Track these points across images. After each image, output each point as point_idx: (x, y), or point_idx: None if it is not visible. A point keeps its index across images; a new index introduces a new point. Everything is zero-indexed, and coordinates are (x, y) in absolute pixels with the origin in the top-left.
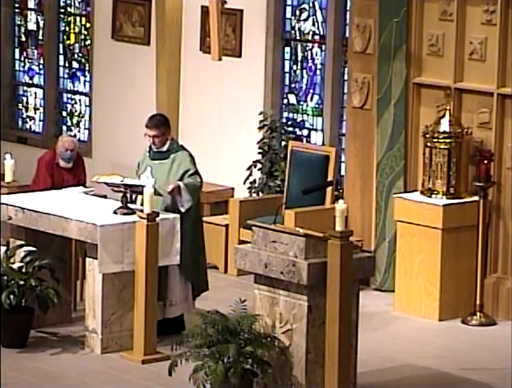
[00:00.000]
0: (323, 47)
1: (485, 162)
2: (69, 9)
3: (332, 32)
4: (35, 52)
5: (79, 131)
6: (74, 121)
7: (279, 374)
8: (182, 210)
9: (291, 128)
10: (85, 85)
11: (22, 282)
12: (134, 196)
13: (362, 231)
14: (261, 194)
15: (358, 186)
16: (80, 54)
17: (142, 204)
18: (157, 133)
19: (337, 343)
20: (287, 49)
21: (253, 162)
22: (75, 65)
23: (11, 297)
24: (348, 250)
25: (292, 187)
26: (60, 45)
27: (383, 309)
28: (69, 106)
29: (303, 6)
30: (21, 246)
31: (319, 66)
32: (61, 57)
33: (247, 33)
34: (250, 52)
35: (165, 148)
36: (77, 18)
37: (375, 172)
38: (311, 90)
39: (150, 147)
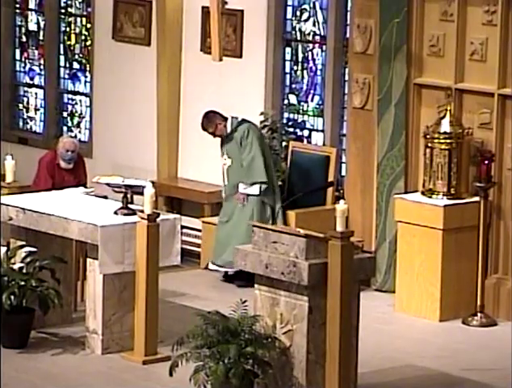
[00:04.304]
0: (324, 47)
1: (486, 162)
2: (69, 9)
3: (332, 33)
4: (36, 52)
5: (80, 131)
6: (75, 122)
7: (280, 375)
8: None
9: (291, 129)
10: (85, 85)
11: (22, 283)
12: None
13: (362, 232)
14: None
15: (359, 186)
16: (80, 55)
17: None
18: (211, 130)
19: (337, 343)
20: (288, 50)
21: None
22: (76, 65)
23: (12, 297)
24: (349, 251)
25: (293, 187)
26: (61, 46)
27: (383, 310)
28: (69, 106)
29: (303, 7)
30: (22, 246)
31: (320, 67)
32: (62, 58)
33: (248, 34)
34: (251, 53)
35: (228, 130)
36: (78, 19)
37: (376, 173)
38: (311, 91)
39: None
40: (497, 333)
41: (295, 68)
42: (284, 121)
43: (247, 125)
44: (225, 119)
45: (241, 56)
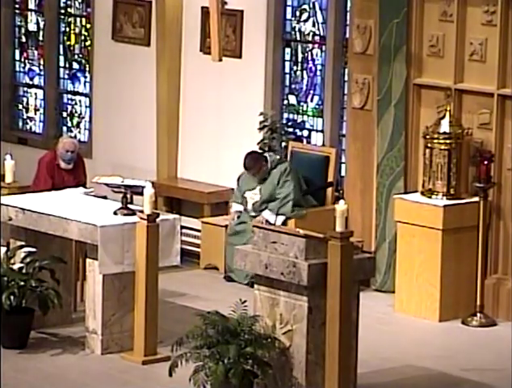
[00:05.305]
0: (323, 48)
1: (486, 162)
2: (69, 10)
3: (332, 33)
4: (36, 52)
5: (79, 132)
6: (74, 122)
7: (280, 375)
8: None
9: (291, 129)
10: (85, 86)
11: (22, 283)
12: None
13: (362, 232)
14: None
15: (359, 187)
16: (80, 55)
17: None
18: (254, 172)
19: (337, 343)
20: (288, 50)
21: None
22: (75, 65)
23: (11, 297)
24: (348, 251)
25: None
26: (61, 46)
27: (383, 310)
28: (69, 107)
29: (303, 7)
30: (21, 246)
31: (319, 67)
32: (61, 58)
33: (247, 34)
34: (251, 53)
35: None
36: (78, 19)
37: (376, 173)
38: (311, 91)
39: None
40: (497, 333)
41: (294, 68)
42: (284, 121)
43: (287, 164)
44: (266, 160)
45: (240, 57)
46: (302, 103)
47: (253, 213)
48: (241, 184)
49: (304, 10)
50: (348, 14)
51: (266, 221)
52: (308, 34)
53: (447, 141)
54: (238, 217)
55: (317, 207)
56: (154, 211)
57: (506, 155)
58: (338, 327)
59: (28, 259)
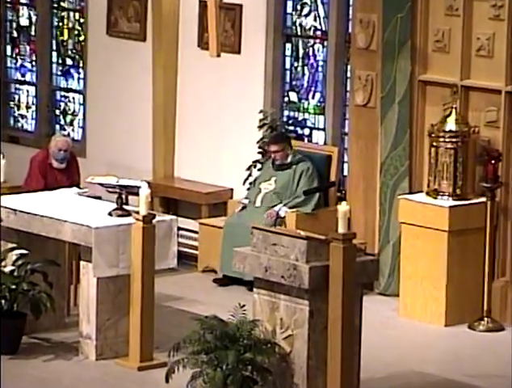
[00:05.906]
0: (325, 43)
1: (493, 162)
2: (62, 3)
3: (334, 28)
4: (28, 48)
5: (73, 130)
6: (68, 120)
7: (280, 381)
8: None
9: (292, 127)
10: (78, 82)
11: (13, 286)
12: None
13: (365, 233)
14: None
15: (362, 187)
16: (73, 50)
17: None
18: (275, 149)
19: (339, 349)
20: (288, 45)
21: (253, 162)
22: (68, 61)
23: (3, 301)
24: (351, 254)
25: None
26: (53, 41)
27: (387, 315)
28: (62, 104)
29: (304, 1)
30: (13, 249)
31: (321, 63)
32: (54, 54)
33: (247, 29)
34: (250, 49)
35: (288, 160)
36: (71, 13)
37: (379, 172)
38: (312, 88)
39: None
40: (504, 338)
41: (295, 64)
42: (284, 119)
43: (310, 164)
44: (291, 146)
45: (239, 52)
46: (303, 101)
47: (258, 204)
48: (258, 176)
49: (305, 4)
50: (350, 8)
51: (278, 215)
52: (310, 29)
53: (453, 140)
54: (244, 208)
55: (319, 207)
56: (150, 212)
57: None
58: (341, 332)
59: (20, 262)
